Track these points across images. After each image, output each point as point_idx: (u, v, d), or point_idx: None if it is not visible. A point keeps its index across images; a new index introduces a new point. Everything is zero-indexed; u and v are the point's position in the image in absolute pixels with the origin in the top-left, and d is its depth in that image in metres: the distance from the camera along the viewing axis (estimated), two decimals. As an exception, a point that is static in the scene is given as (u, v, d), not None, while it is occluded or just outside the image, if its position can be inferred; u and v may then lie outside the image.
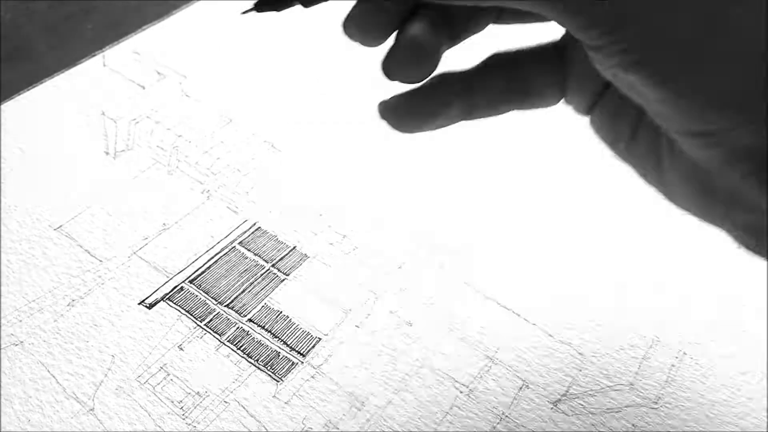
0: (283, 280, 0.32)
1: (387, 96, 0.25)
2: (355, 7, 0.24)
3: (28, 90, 0.41)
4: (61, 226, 0.34)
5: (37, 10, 0.47)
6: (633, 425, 0.26)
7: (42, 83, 0.41)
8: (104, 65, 0.42)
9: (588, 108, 0.26)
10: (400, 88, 0.25)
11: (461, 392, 0.28)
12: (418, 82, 0.25)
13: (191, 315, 0.30)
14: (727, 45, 0.19)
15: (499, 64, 0.25)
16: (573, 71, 0.26)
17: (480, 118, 0.26)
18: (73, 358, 0.29)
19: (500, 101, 0.26)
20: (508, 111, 0.27)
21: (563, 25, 0.20)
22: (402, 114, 0.25)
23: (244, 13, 0.24)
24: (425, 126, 0.26)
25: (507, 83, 0.26)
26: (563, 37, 0.26)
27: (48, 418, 0.27)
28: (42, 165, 0.37)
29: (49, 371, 0.28)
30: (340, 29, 0.25)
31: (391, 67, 0.24)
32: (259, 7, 0.24)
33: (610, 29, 0.19)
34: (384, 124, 0.25)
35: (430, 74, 0.25)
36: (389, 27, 0.24)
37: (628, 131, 0.25)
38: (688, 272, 0.31)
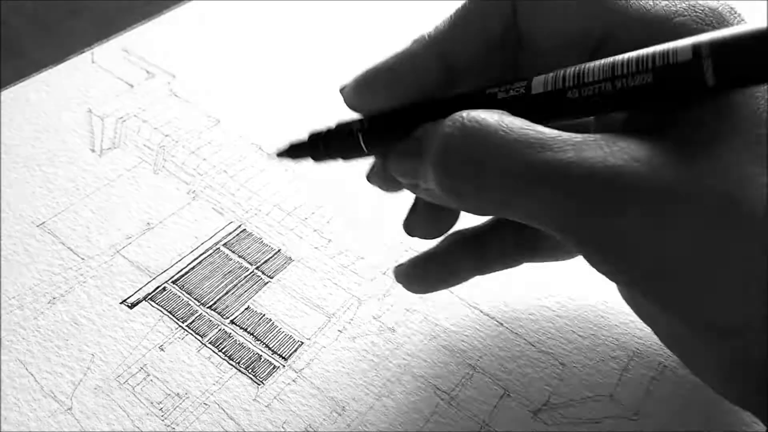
0: (267, 282, 0.32)
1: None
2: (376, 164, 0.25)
3: (15, 85, 0.40)
4: (43, 222, 0.33)
5: (25, 7, 0.47)
6: (612, 436, 0.27)
7: (29, 78, 0.41)
8: (93, 62, 0.42)
9: None
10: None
11: (442, 399, 0.28)
12: (436, 238, 0.27)
13: (173, 316, 0.30)
14: (727, 277, 0.19)
15: (509, 221, 0.25)
16: None
17: (492, 272, 0.28)
18: (52, 356, 0.29)
19: (511, 257, 0.28)
20: (520, 264, 0.28)
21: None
22: (416, 280, 0.27)
23: (270, 156, 0.29)
24: (438, 288, 0.28)
25: (517, 240, 0.27)
26: None
27: (25, 416, 0.27)
28: (26, 161, 0.36)
29: (27, 369, 0.28)
30: (339, 88, 0.25)
31: (411, 226, 0.26)
32: (280, 155, 0.27)
33: (616, 268, 0.20)
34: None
35: (447, 232, 0.27)
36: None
37: None
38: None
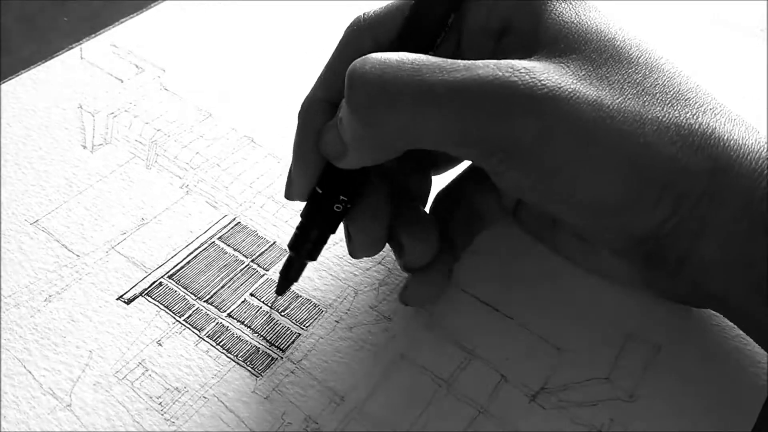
0: (263, 275, 0.32)
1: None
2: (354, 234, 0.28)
3: (4, 82, 0.40)
4: (37, 220, 0.33)
5: (12, 2, 0.46)
6: (610, 419, 0.27)
7: (18, 75, 0.41)
8: (81, 58, 0.42)
9: (512, 212, 0.32)
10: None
11: (440, 386, 0.28)
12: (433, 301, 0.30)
13: (170, 310, 0.30)
14: (607, 162, 0.23)
15: (457, 204, 0.31)
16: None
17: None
18: (50, 353, 0.29)
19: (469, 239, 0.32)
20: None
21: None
22: (421, 299, 0.30)
23: (278, 295, 0.30)
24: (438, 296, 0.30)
25: (468, 222, 0.31)
26: None
27: (24, 414, 0.27)
28: (18, 158, 0.36)
29: (25, 367, 0.28)
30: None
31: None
32: (281, 290, 0.30)
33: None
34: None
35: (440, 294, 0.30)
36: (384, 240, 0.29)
37: (548, 227, 0.31)
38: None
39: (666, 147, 0.22)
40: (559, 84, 0.22)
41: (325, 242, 0.28)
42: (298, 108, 0.28)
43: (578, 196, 0.23)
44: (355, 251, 0.28)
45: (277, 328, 0.30)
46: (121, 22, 0.44)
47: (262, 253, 0.32)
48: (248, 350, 0.29)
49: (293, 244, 0.28)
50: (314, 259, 0.29)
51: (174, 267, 0.32)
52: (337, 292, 0.31)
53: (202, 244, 0.33)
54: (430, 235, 0.28)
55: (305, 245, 0.28)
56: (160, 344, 0.29)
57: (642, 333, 0.29)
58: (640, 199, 0.23)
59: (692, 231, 0.24)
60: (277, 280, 0.29)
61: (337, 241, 0.33)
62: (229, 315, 0.30)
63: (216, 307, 0.30)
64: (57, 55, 0.42)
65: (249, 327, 0.30)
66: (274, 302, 0.30)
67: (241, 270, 0.32)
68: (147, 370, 0.28)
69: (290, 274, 0.29)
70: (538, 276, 0.32)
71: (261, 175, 0.36)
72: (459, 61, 0.23)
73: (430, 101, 0.22)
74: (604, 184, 0.23)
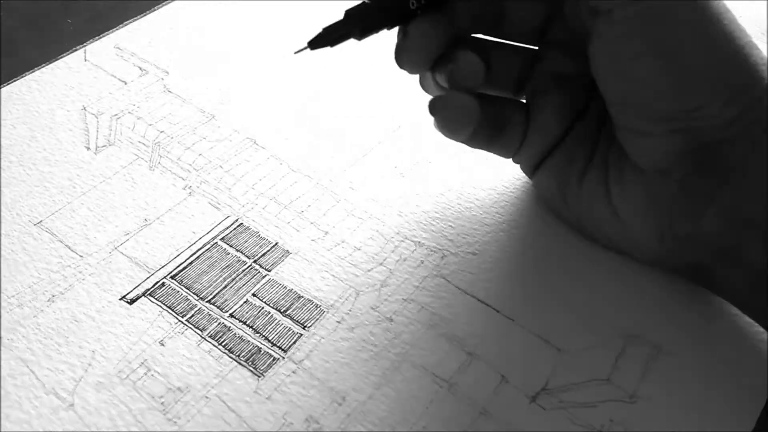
0: (265, 276, 0.32)
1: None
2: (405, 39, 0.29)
3: (8, 84, 0.40)
4: (41, 221, 0.34)
5: (16, 4, 0.46)
6: (610, 419, 0.27)
7: (22, 77, 0.41)
8: (85, 60, 0.42)
9: (534, 167, 0.32)
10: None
11: (441, 387, 0.28)
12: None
13: (173, 311, 0.30)
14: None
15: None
16: (536, 120, 0.31)
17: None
18: (53, 353, 0.29)
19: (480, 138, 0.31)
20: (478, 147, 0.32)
21: None
22: (450, 117, 0.31)
23: (297, 52, 0.28)
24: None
25: (488, 111, 0.31)
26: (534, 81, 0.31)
27: (27, 414, 0.27)
28: (22, 160, 0.36)
29: (28, 367, 0.28)
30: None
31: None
32: (314, 45, 0.27)
33: None
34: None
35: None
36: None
37: (576, 175, 0.30)
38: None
39: (747, 60, 0.26)
40: None
41: (379, 28, 0.27)
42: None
43: (671, 69, 0.25)
44: (403, 51, 0.29)
45: (279, 328, 0.30)
46: (125, 25, 0.45)
47: (264, 254, 0.33)
48: (250, 350, 0.29)
49: (352, 11, 0.27)
50: (360, 36, 0.27)
51: (177, 267, 0.32)
52: (338, 293, 0.31)
53: (204, 245, 0.33)
54: (481, 61, 0.29)
55: (365, 18, 0.27)
56: (162, 344, 0.29)
57: (642, 333, 0.30)
58: (718, 95, 0.26)
59: (752, 139, 0.26)
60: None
61: (338, 242, 0.33)
62: (231, 315, 0.30)
63: (218, 308, 0.31)
64: (61, 57, 0.42)
65: (251, 327, 0.30)
66: (300, 50, 0.28)
67: (244, 271, 0.32)
68: (149, 370, 0.28)
69: (331, 34, 0.27)
70: (538, 277, 0.32)
71: (263, 177, 0.36)
72: None
73: None
74: (700, 66, 0.25)
